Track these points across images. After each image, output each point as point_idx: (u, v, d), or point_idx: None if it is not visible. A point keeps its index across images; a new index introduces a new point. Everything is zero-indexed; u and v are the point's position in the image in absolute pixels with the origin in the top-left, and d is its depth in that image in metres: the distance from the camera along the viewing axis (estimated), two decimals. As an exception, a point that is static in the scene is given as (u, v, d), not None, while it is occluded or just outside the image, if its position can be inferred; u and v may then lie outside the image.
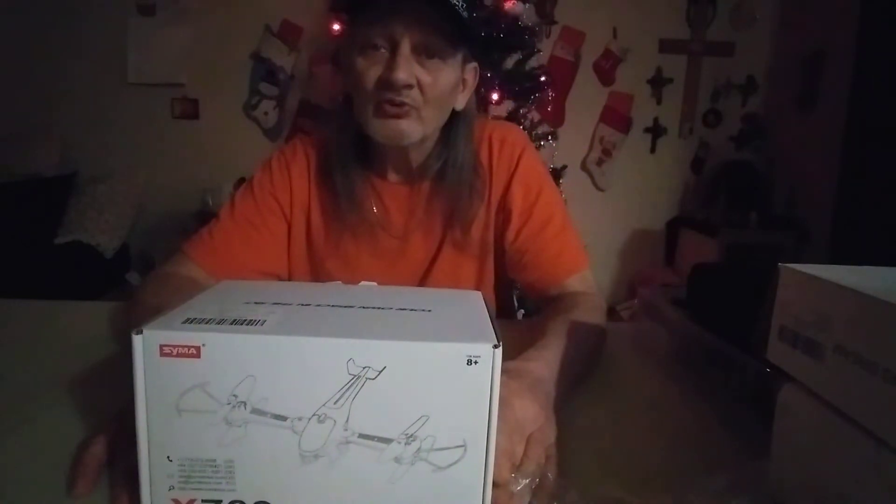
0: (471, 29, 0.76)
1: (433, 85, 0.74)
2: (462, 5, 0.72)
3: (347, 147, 0.84)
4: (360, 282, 0.54)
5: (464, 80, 0.81)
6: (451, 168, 0.83)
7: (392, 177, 0.87)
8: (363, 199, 0.85)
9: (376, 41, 0.73)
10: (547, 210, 0.86)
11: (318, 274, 0.89)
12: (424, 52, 0.73)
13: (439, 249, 0.89)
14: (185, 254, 0.82)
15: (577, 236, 0.87)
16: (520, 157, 0.87)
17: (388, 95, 0.73)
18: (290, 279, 0.89)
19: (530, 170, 0.87)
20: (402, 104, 0.74)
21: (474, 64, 0.83)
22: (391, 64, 0.72)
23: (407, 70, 0.72)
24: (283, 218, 0.87)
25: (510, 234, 0.86)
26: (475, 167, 0.85)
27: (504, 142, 0.88)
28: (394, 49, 0.72)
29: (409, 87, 0.73)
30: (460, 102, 0.82)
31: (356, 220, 0.85)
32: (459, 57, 0.78)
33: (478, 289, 0.90)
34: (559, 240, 0.85)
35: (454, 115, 0.82)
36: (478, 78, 0.85)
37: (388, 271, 0.88)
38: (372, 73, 0.73)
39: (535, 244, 0.85)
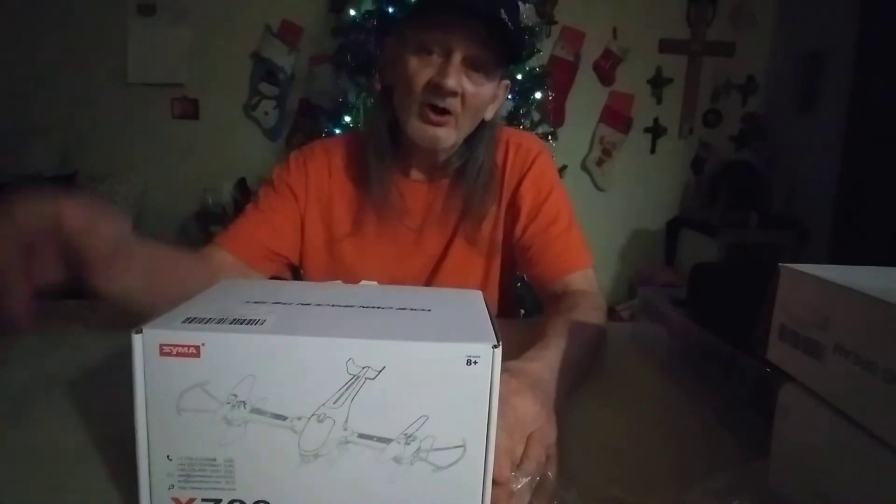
0: (518, 50, 0.82)
1: (475, 95, 0.80)
2: (515, 26, 0.76)
3: (384, 138, 0.89)
4: (360, 281, 0.54)
5: (495, 94, 0.87)
6: (470, 168, 0.88)
7: (414, 174, 0.92)
8: (387, 191, 0.90)
9: (431, 46, 0.77)
10: (554, 209, 0.90)
11: (332, 252, 0.93)
12: (472, 65, 0.78)
13: (450, 244, 0.93)
14: (215, 242, 0.87)
15: (582, 236, 0.91)
16: (534, 160, 0.92)
17: (433, 99, 0.78)
18: (302, 263, 0.93)
19: (543, 172, 0.92)
20: (444, 112, 0.79)
21: (507, 81, 0.89)
22: (443, 71, 0.77)
23: (456, 79, 0.77)
24: (297, 204, 0.91)
25: (518, 230, 0.91)
26: (491, 168, 0.90)
27: (520, 146, 0.94)
28: (447, 56, 0.77)
29: (455, 94, 0.78)
30: (489, 113, 0.88)
31: (381, 204, 0.89)
32: (499, 74, 0.84)
33: (484, 285, 0.95)
34: (564, 237, 0.89)
35: (480, 123, 0.87)
36: (508, 93, 0.91)
37: (400, 261, 0.93)
38: (423, 76, 0.78)
39: (540, 240, 0.89)
